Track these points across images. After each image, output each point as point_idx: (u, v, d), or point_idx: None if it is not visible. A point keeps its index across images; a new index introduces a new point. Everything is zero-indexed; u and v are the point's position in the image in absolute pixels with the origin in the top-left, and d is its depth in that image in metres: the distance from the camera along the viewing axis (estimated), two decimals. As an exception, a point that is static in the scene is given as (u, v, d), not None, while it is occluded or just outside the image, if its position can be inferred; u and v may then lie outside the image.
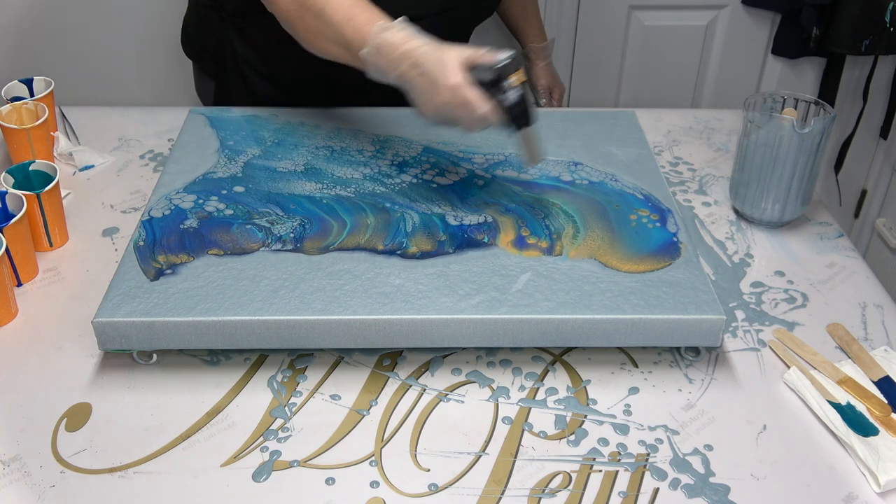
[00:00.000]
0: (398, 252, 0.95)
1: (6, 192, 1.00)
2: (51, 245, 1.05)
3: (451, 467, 0.80)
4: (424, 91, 0.92)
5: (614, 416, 0.85)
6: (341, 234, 0.97)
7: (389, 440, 0.82)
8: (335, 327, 0.86)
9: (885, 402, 0.85)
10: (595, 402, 0.87)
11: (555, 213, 1.02)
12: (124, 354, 0.91)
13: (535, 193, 1.06)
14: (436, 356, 0.91)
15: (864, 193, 2.00)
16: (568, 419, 0.85)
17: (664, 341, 0.88)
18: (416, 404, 0.86)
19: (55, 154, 1.22)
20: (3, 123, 1.14)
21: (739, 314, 0.97)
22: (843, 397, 0.86)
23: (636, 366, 0.91)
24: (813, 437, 0.83)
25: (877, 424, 0.83)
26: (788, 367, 0.90)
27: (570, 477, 0.79)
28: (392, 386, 0.88)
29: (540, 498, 0.77)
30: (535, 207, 1.03)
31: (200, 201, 1.03)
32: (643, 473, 0.79)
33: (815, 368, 0.90)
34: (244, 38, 1.27)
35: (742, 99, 1.10)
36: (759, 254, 1.07)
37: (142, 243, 0.95)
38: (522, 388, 0.88)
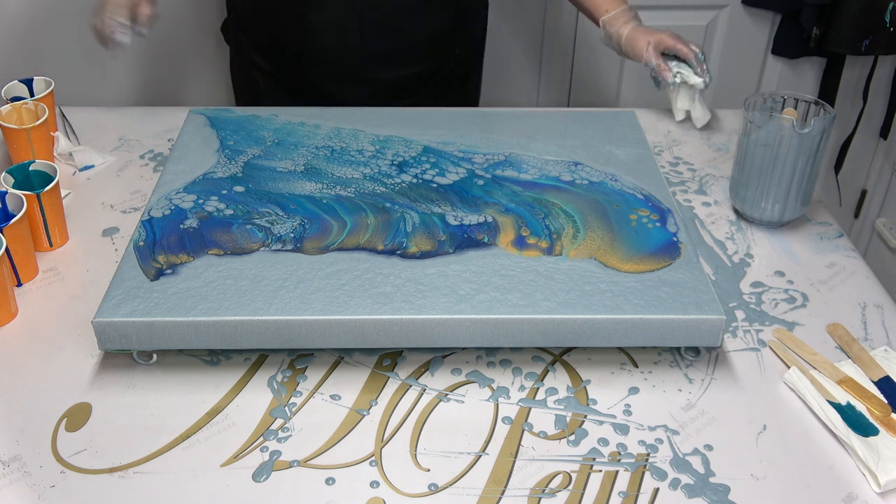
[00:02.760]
0: (398, 252, 0.95)
1: (6, 192, 1.00)
2: (51, 245, 1.05)
3: (451, 467, 0.80)
4: None
5: (614, 416, 0.85)
6: (341, 234, 0.97)
7: (389, 440, 0.82)
8: (335, 327, 0.86)
9: (885, 402, 0.85)
10: (595, 402, 0.87)
11: (555, 213, 1.02)
12: (124, 354, 0.91)
13: (535, 193, 1.06)
14: (436, 356, 0.91)
15: (864, 193, 2.00)
16: (568, 419, 0.85)
17: (664, 341, 0.88)
18: (416, 404, 0.86)
19: (55, 154, 1.22)
20: (3, 123, 1.14)
21: (739, 314, 0.97)
22: (843, 397, 0.86)
23: (636, 366, 0.91)
24: (813, 437, 0.83)
25: (877, 424, 0.83)
26: (788, 367, 0.90)
27: (570, 477, 0.79)
28: (392, 386, 0.88)
29: (540, 498, 0.77)
30: (535, 207, 1.03)
31: (200, 201, 1.03)
32: (643, 473, 0.79)
33: (815, 368, 0.90)
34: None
35: (742, 99, 1.10)
36: (759, 254, 1.07)
37: (142, 243, 0.95)
38: (522, 388, 0.88)
